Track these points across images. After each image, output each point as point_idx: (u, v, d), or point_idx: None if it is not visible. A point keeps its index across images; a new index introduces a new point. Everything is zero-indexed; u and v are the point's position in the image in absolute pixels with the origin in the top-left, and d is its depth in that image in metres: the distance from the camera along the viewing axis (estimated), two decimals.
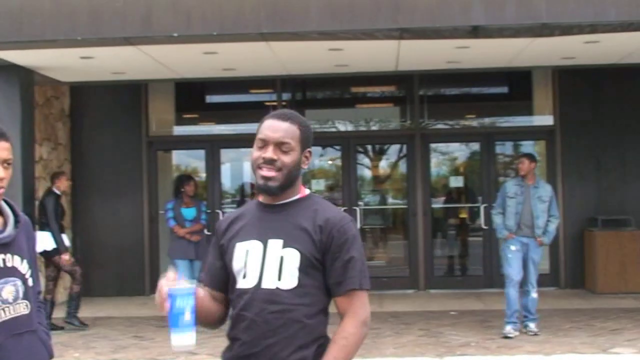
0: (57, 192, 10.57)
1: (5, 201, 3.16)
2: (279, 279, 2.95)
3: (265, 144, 3.02)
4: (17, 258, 3.08)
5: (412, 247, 13.37)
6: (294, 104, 13.82)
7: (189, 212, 10.65)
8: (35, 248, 3.29)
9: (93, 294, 12.60)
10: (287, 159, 3.01)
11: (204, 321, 3.09)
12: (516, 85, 13.98)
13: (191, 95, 14.16)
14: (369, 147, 14.33)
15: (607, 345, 8.81)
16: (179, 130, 14.28)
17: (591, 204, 12.78)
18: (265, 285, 2.96)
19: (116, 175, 13.27)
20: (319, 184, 13.84)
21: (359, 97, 14.71)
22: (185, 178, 11.02)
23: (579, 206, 12.80)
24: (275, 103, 13.52)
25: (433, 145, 13.67)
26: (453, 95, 14.60)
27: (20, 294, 3.07)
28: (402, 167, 13.98)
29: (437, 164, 14.19)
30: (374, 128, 14.09)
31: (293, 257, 2.95)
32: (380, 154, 14.44)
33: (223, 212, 13.42)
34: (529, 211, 9.48)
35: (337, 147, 13.80)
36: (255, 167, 3.03)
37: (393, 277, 13.45)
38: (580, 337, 9.24)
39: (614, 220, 12.50)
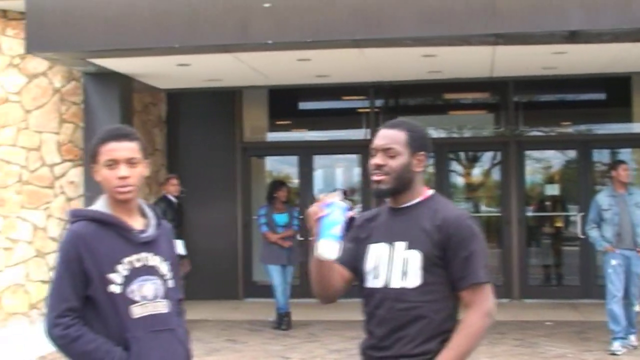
0: (170, 197, 10.72)
1: (147, 204, 3.40)
2: (405, 279, 3.18)
3: (375, 152, 3.29)
4: (158, 258, 3.28)
5: (506, 255, 13.18)
6: (386, 111, 13.79)
7: (281, 218, 10.73)
8: (175, 254, 3.45)
9: (187, 298, 12.76)
10: (393, 163, 3.24)
11: (322, 287, 3.34)
12: (614, 92, 13.63)
13: (285, 102, 14.25)
14: (462, 154, 14.19)
15: None
16: (273, 136, 14.39)
17: None
18: (393, 285, 3.20)
19: (211, 181, 13.47)
20: None
21: (452, 103, 14.59)
22: (278, 184, 11.11)
23: None
24: (368, 110, 13.53)
25: (528, 153, 13.46)
26: (549, 102, 14.34)
27: (160, 293, 3.26)
28: (496, 174, 13.80)
29: (532, 172, 13.94)
30: (467, 135, 13.95)
31: (416, 258, 3.18)
32: (473, 161, 14.29)
33: None
34: (628, 221, 9.03)
35: (430, 154, 13.66)
36: (370, 174, 3.30)
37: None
38: None
39: None
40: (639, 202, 9.10)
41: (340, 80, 11.62)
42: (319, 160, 13.98)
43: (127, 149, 3.19)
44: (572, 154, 13.63)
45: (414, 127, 3.35)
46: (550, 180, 14.01)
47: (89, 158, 3.28)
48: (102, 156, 3.19)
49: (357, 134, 13.66)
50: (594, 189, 13.03)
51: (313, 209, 3.11)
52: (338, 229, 3.06)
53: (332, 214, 3.07)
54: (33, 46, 9.32)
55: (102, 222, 3.19)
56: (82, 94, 10.73)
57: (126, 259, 3.18)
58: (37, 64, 10.97)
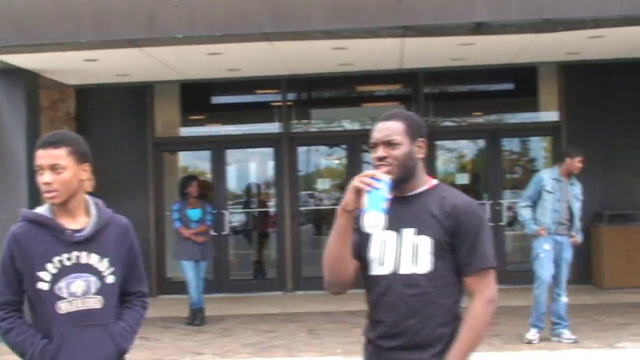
0: None
1: (97, 204, 3.56)
2: (415, 264, 3.21)
3: (375, 145, 3.31)
4: (94, 256, 3.42)
5: None
6: (299, 104, 13.85)
7: (194, 213, 10.65)
8: (133, 250, 3.63)
9: None
10: (396, 152, 3.26)
11: (338, 272, 3.31)
12: (522, 82, 13.94)
13: (197, 97, 14.13)
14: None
15: (613, 339, 8.81)
16: (185, 131, 14.25)
17: (597, 200, 12.58)
18: (403, 271, 3.22)
19: (123, 177, 13.24)
20: (325, 183, 13.82)
21: (364, 95, 14.70)
22: (189, 179, 11.01)
23: (585, 202, 12.63)
24: (280, 103, 13.52)
25: (439, 143, 13.64)
26: (459, 93, 14.60)
27: (92, 290, 3.39)
28: None
29: (444, 162, 14.14)
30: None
31: (426, 244, 3.21)
32: None
33: (229, 213, 13.43)
34: (567, 209, 8.84)
35: (343, 147, 13.79)
36: (375, 168, 3.29)
37: None
38: (586, 332, 9.21)
39: (620, 215, 12.47)
40: (577, 193, 8.93)
41: (252, 74, 11.58)
42: (232, 155, 13.93)
43: (50, 156, 3.34)
44: (481, 143, 13.89)
45: (409, 115, 3.40)
46: (461, 169, 14.23)
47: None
48: (34, 162, 3.39)
49: (270, 127, 13.64)
50: (503, 177, 13.36)
51: (363, 180, 3.09)
52: (386, 205, 3.05)
53: (382, 189, 3.07)
54: None
55: (37, 222, 3.40)
56: None
57: (56, 258, 3.34)
58: None
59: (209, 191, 13.36)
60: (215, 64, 10.52)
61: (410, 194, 3.32)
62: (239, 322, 10.74)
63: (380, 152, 3.26)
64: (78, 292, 3.36)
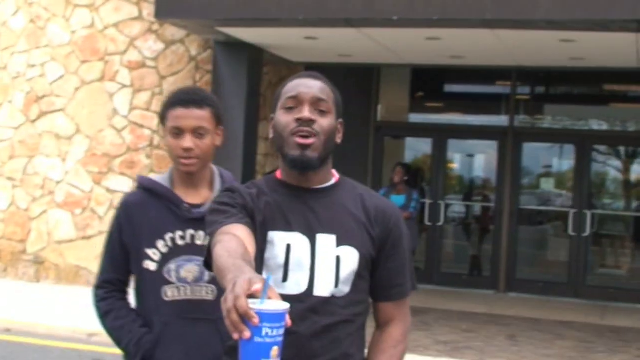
0: None
1: (222, 175, 3.02)
2: (337, 285, 2.41)
3: (298, 103, 2.39)
4: None
5: None
6: (529, 98, 13.21)
7: (397, 200, 10.38)
8: None
9: None
10: (325, 122, 2.39)
11: None
12: None
13: (426, 83, 13.86)
14: (606, 148, 13.32)
15: None
16: (409, 117, 14.02)
17: None
18: (319, 292, 2.41)
19: (342, 158, 13.03)
20: (549, 183, 13.11)
21: (600, 94, 13.73)
22: (396, 165, 10.89)
23: None
24: (509, 96, 12.95)
25: None
26: None
27: (205, 277, 2.87)
28: None
29: None
30: (613, 128, 13.12)
31: (352, 257, 2.40)
32: (618, 156, 13.43)
33: (445, 205, 13.06)
34: None
35: (572, 146, 12.99)
36: (287, 135, 2.37)
37: (623, 289, 12.51)
38: None
39: None
40: None
41: (476, 63, 11.12)
42: (454, 145, 13.53)
43: (195, 117, 2.85)
44: None
45: (334, 86, 2.52)
46: None
47: (159, 120, 2.98)
48: (169, 122, 2.89)
49: (496, 120, 13.11)
50: None
51: (232, 319, 1.75)
52: (275, 353, 1.79)
53: (261, 332, 1.76)
54: (162, 12, 9.40)
55: (152, 192, 2.92)
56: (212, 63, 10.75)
57: (168, 235, 2.88)
58: (175, 31, 11.09)
59: (421, 179, 13.10)
60: (435, 50, 10.18)
61: (322, 186, 2.45)
62: (439, 317, 10.40)
63: (307, 112, 2.36)
64: (189, 278, 2.87)
